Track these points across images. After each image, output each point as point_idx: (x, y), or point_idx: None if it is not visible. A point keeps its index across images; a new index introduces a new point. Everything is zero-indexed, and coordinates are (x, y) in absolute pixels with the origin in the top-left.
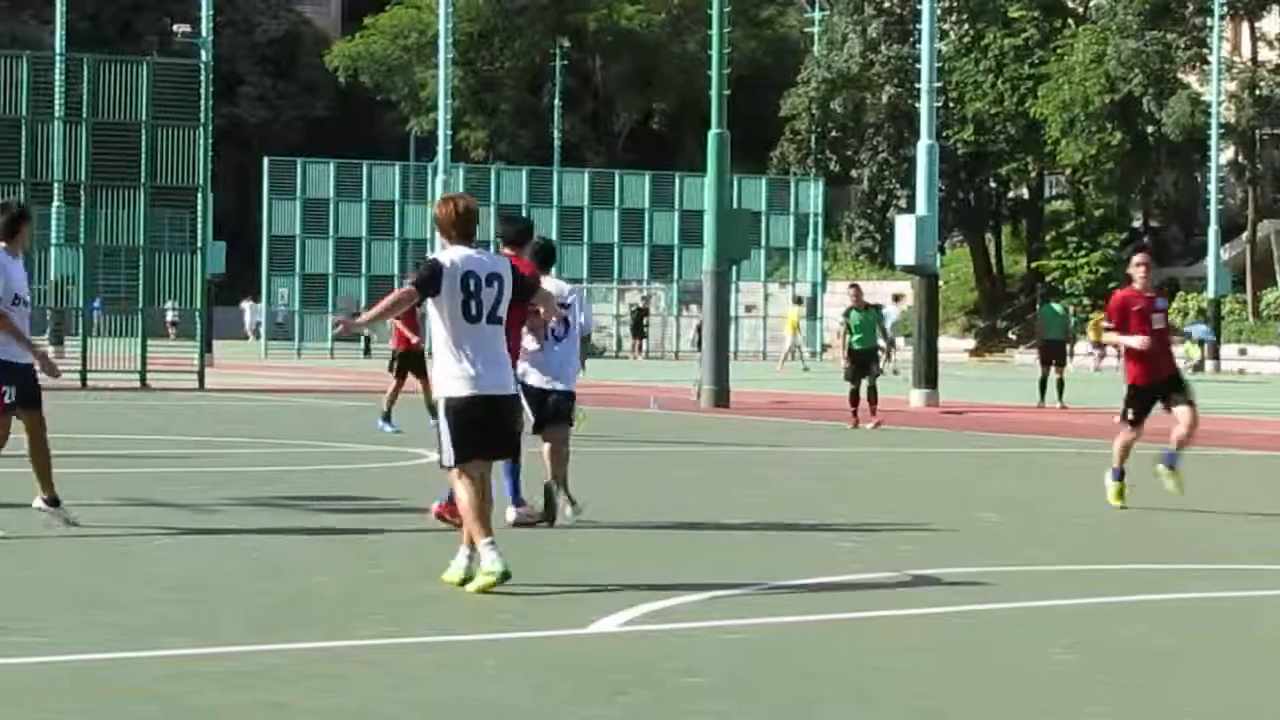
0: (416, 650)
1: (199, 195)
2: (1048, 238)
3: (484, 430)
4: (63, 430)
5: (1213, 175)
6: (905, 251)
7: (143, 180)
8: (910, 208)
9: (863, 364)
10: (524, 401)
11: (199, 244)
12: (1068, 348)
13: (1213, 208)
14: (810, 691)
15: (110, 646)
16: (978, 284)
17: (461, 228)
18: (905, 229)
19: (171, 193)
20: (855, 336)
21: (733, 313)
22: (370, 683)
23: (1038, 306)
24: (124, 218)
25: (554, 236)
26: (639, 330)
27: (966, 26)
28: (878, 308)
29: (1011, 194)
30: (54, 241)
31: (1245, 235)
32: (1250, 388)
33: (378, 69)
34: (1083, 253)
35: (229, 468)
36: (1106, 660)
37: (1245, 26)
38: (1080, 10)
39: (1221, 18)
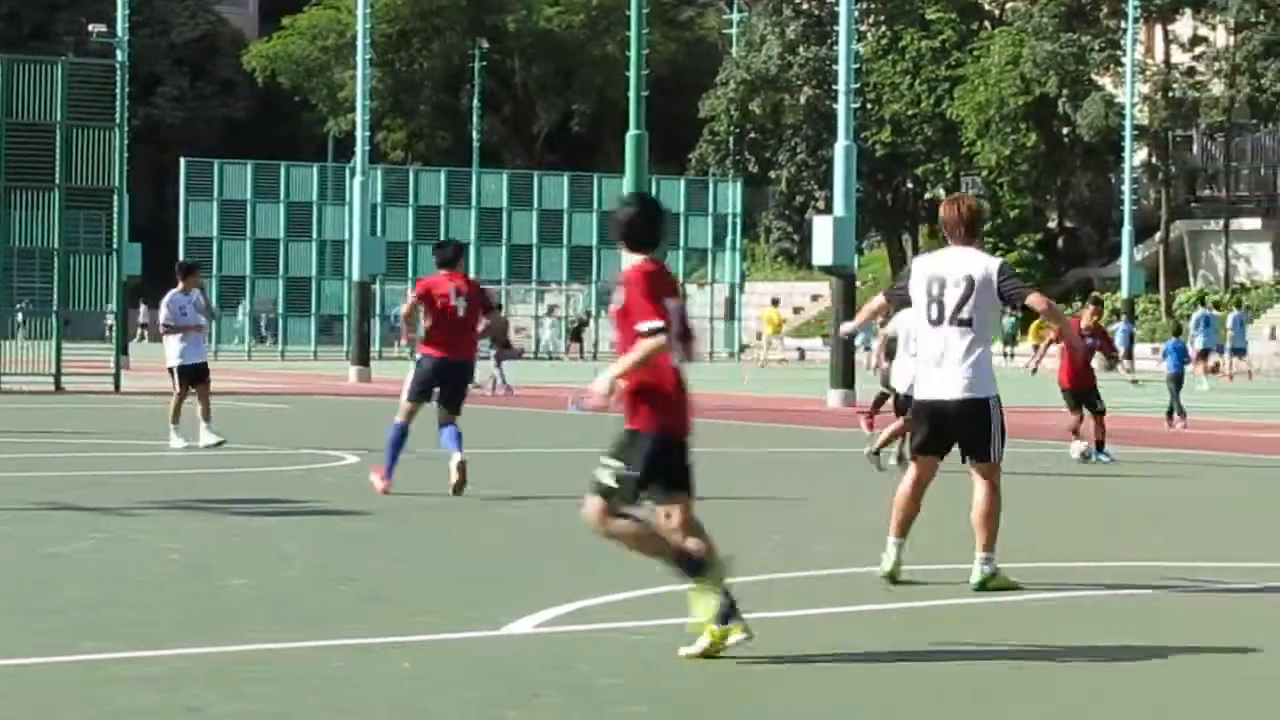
0: (334, 653)
1: (115, 196)
2: None
3: (926, 434)
4: None
5: (1126, 176)
6: (823, 252)
7: (57, 181)
8: (828, 209)
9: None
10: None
11: (115, 246)
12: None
13: (1126, 208)
14: (729, 692)
15: (31, 652)
16: None
17: (964, 228)
18: (823, 230)
19: (87, 194)
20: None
21: None
22: (288, 685)
23: None
24: (38, 219)
25: (472, 238)
26: (578, 336)
27: (884, 28)
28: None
29: (928, 194)
30: None
31: (1158, 236)
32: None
33: (296, 70)
34: (999, 253)
35: (148, 470)
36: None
37: (1159, 29)
38: (997, 13)
39: (1135, 21)
